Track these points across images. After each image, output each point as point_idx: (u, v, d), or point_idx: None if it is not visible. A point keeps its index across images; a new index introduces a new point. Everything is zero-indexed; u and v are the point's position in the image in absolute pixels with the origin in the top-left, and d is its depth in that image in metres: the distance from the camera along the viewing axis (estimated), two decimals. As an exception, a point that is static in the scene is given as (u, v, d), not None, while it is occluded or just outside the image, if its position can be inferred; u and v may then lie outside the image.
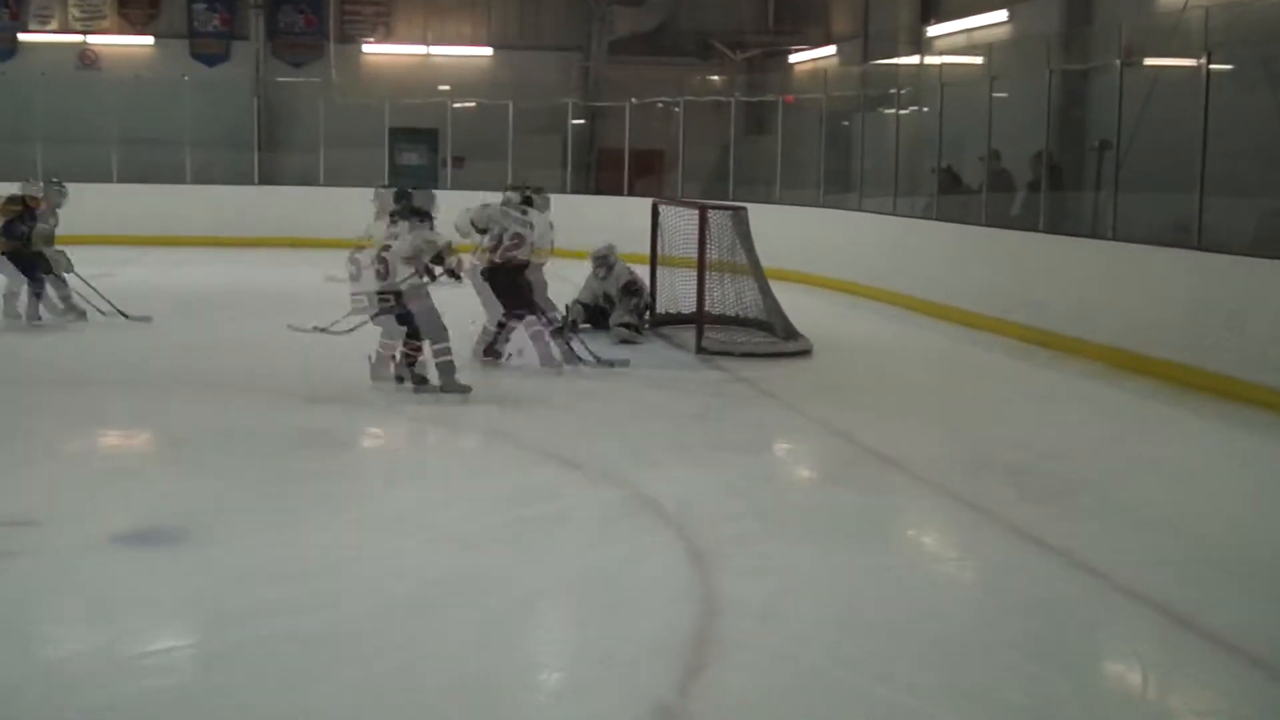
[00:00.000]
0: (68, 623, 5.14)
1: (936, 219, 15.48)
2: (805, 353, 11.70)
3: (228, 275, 18.01)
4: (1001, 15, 17.83)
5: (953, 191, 15.85)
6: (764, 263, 12.51)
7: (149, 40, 25.97)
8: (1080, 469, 7.86)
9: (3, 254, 12.08)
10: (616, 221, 15.66)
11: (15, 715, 4.22)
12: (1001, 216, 14.50)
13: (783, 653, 4.86)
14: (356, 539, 6.19)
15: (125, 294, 13.11)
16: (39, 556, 5.78)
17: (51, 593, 5.39)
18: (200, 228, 22.39)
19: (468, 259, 10.39)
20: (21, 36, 25.53)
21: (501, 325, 10.71)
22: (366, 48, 26.54)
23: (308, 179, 24.07)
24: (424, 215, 9.61)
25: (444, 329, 9.38)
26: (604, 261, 12.55)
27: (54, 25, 25.68)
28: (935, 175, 15.76)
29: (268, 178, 24.76)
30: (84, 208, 21.13)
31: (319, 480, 7.30)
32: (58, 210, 12.82)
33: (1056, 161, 14.09)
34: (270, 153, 25.34)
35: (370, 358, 9.71)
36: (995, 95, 14.06)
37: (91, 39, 25.86)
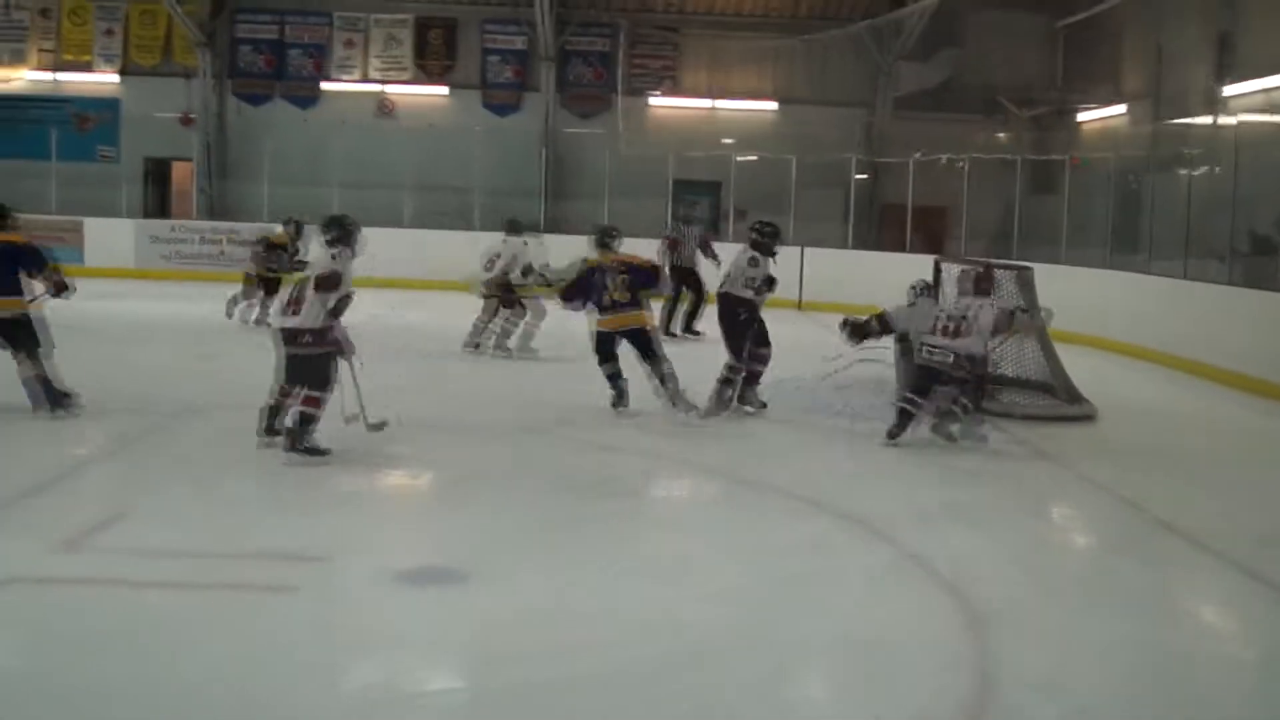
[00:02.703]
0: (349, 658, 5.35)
1: (1231, 283, 15.01)
2: (1089, 417, 11.52)
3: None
4: (1302, 75, 17.28)
5: (1250, 255, 15.34)
6: (1048, 324, 12.35)
7: (444, 90, 27.20)
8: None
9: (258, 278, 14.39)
10: (898, 278, 15.66)
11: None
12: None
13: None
14: (627, 586, 6.30)
15: (409, 334, 13.62)
16: (323, 592, 6.07)
17: (334, 627, 5.62)
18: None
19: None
20: (324, 85, 27.06)
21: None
22: (653, 100, 27.18)
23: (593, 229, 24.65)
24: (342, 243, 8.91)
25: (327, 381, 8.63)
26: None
27: (355, 75, 27.12)
28: (1247, 238, 15.20)
29: (554, 226, 25.47)
30: (376, 250, 22.06)
31: (590, 524, 7.47)
32: (297, 244, 15.00)
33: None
34: (557, 201, 26.09)
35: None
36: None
37: (390, 88, 27.18)
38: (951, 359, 9.82)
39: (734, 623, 5.81)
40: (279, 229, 16.38)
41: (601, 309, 10.78)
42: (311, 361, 8.58)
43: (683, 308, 16.71)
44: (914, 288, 12.01)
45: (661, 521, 8.09)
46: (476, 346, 14.29)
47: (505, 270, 13.88)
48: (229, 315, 15.75)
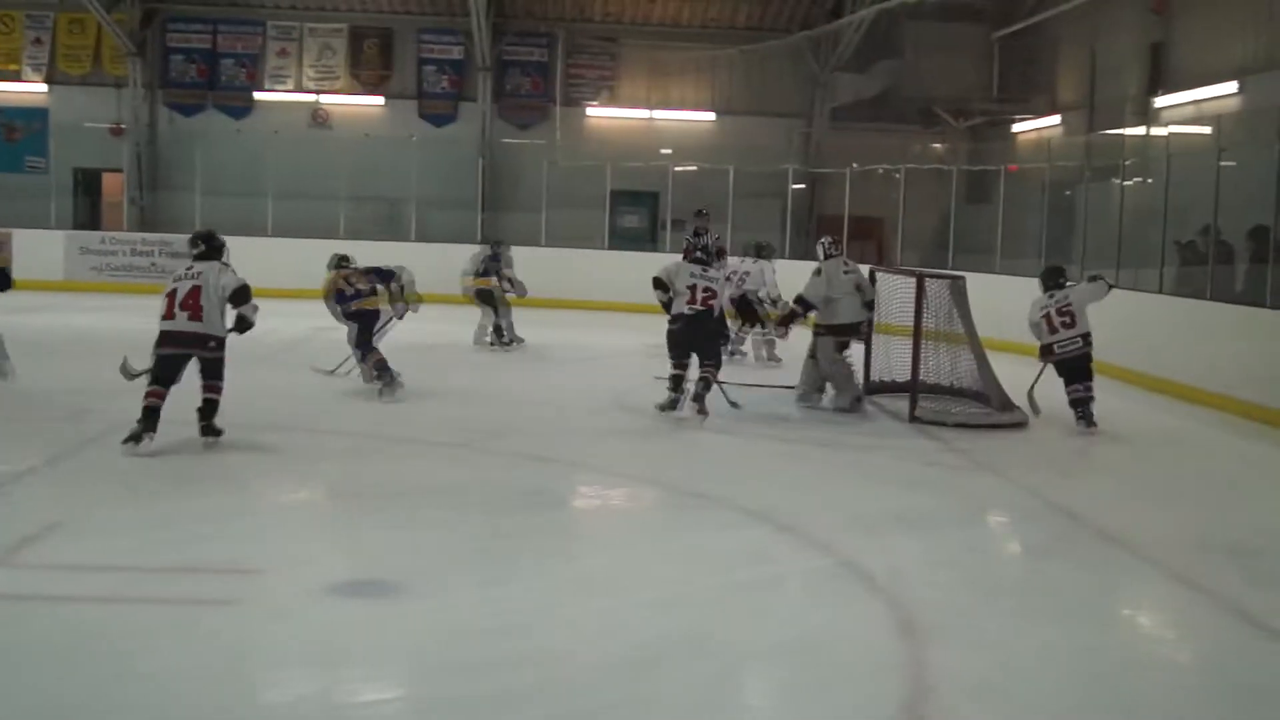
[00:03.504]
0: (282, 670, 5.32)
1: (1161, 292, 15.15)
2: (1020, 425, 11.59)
3: (446, 332, 18.50)
4: (1232, 87, 17.47)
5: (1187, 264, 15.47)
6: (982, 333, 12.44)
7: (380, 100, 27.00)
8: (1310, 554, 7.66)
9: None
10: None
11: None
12: (1226, 291, 14.14)
13: (994, 729, 4.83)
14: (567, 598, 6.28)
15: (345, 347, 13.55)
16: (258, 605, 5.99)
17: (269, 640, 5.58)
18: (422, 285, 22.94)
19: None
20: (258, 95, 26.80)
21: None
22: (590, 111, 27.15)
23: (530, 239, 24.64)
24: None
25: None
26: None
27: (289, 85, 26.88)
28: (1176, 249, 15.35)
29: (490, 237, 25.36)
30: (311, 262, 22.02)
31: (527, 536, 7.45)
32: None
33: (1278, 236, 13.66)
34: (494, 212, 26.00)
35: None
36: (1223, 166, 13.76)
37: (324, 99, 26.97)
38: (1081, 343, 11.69)
39: (673, 631, 5.80)
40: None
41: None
42: (221, 361, 9.40)
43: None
44: (822, 244, 12.91)
45: (599, 532, 8.07)
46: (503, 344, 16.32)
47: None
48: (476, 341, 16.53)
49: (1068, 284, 12.14)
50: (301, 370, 13.34)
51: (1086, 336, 11.69)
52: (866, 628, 5.96)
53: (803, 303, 12.32)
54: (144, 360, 9.34)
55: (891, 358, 12.94)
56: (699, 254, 12.27)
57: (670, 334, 11.53)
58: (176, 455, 9.08)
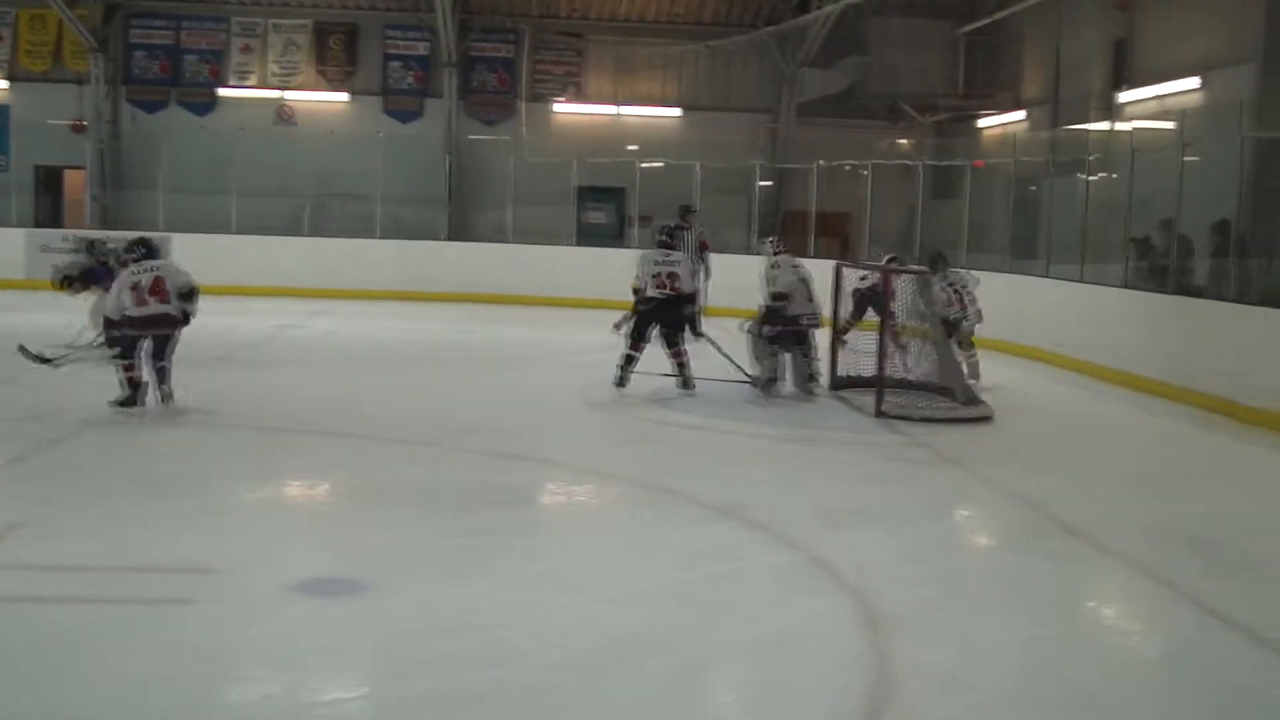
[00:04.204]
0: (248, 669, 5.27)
1: (1125, 286, 15.23)
2: (986, 419, 11.63)
3: (413, 329, 18.48)
4: (1195, 82, 17.59)
5: (1144, 259, 15.57)
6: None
7: (344, 97, 26.88)
8: (1269, 543, 7.73)
9: None
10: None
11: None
12: (1188, 284, 14.23)
13: (960, 723, 4.85)
14: (533, 595, 6.25)
15: (313, 345, 13.54)
16: (223, 604, 5.94)
17: (234, 639, 5.52)
18: (389, 282, 23.06)
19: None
20: (221, 92, 26.64)
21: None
22: (557, 107, 27.10)
23: (497, 235, 24.63)
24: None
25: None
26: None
27: (253, 81, 26.73)
28: (1132, 245, 15.46)
29: (457, 233, 25.36)
30: (276, 259, 22.01)
31: (496, 535, 7.40)
32: None
33: (1243, 230, 13.77)
34: (460, 209, 25.98)
35: None
36: (1186, 160, 13.84)
37: (289, 95, 26.81)
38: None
39: (639, 627, 5.80)
40: None
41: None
42: (173, 337, 10.67)
43: None
44: (770, 242, 13.57)
45: (566, 529, 8.04)
46: None
47: None
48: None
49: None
50: (265, 368, 13.28)
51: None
52: (833, 622, 5.96)
53: (778, 296, 12.51)
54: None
55: (857, 353, 12.97)
56: (662, 238, 13.15)
57: (640, 315, 12.37)
58: (141, 455, 9.09)
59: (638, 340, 12.36)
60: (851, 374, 13.01)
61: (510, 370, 14.33)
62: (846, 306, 13.34)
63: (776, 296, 12.51)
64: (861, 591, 6.37)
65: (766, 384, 12.61)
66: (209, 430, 10.12)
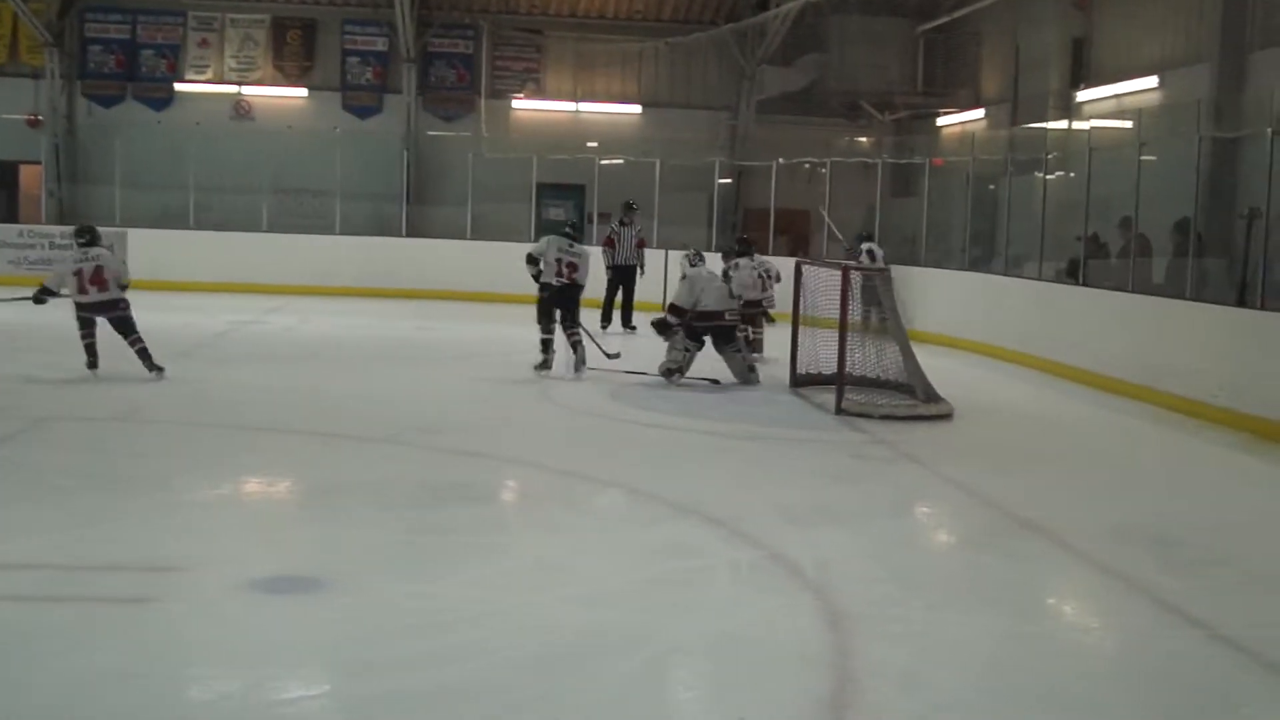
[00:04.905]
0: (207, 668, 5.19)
1: (1083, 284, 15.31)
2: (946, 416, 11.66)
3: (372, 326, 18.40)
4: (1152, 81, 17.72)
5: (1097, 257, 15.66)
6: (907, 325, 12.52)
7: (303, 92, 26.76)
8: (1226, 541, 7.77)
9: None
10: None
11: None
12: (1146, 283, 14.32)
13: None
14: (492, 593, 6.21)
15: (271, 341, 13.49)
16: (180, 602, 5.88)
17: (191, 638, 5.46)
18: (348, 278, 22.97)
19: None
20: (178, 86, 26.48)
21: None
22: (516, 103, 27.06)
23: (456, 232, 24.55)
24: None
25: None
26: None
27: (209, 76, 26.57)
28: (1081, 242, 15.58)
29: (416, 230, 25.27)
30: (233, 255, 21.88)
31: (456, 533, 7.36)
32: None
33: (1200, 229, 13.86)
34: (419, 205, 25.87)
35: None
36: (1144, 159, 13.91)
37: (246, 90, 26.67)
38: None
39: (599, 625, 5.77)
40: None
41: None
42: (130, 317, 11.90)
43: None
44: (687, 257, 14.34)
45: (526, 527, 7.99)
46: None
47: None
48: None
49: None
50: (223, 365, 13.20)
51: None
52: (794, 620, 5.95)
53: (675, 310, 13.30)
54: None
55: (817, 350, 12.99)
56: (567, 230, 13.84)
57: (540, 301, 13.21)
58: (96, 453, 8.98)
59: (548, 324, 13.25)
60: (812, 371, 13.03)
61: (469, 367, 14.26)
62: (815, 303, 13.30)
63: (672, 309, 13.30)
64: (822, 589, 6.37)
65: (666, 373, 13.12)
66: (166, 427, 10.04)
